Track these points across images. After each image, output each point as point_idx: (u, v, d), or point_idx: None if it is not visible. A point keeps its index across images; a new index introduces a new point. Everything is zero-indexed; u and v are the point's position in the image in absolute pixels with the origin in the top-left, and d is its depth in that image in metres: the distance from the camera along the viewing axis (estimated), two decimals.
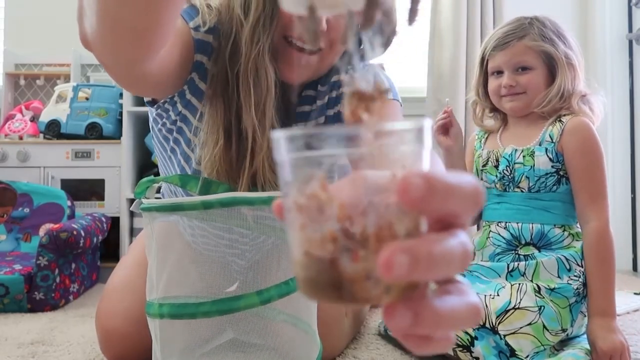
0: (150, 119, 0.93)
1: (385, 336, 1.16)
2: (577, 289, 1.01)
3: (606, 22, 2.33)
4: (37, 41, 2.39)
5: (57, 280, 1.49)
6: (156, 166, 2.08)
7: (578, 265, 1.04)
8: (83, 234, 1.57)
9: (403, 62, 2.47)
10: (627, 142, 2.31)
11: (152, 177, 0.79)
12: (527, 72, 1.12)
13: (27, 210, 1.84)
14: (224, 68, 0.76)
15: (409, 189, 0.23)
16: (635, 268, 2.28)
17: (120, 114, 2.07)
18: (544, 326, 0.96)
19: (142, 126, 2.14)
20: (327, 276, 0.25)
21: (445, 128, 1.20)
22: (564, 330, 0.99)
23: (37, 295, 1.45)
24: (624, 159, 2.31)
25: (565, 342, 1.03)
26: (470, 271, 1.08)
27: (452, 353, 0.92)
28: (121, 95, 2.08)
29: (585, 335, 1.03)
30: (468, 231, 0.30)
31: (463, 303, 0.27)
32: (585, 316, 1.04)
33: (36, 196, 1.86)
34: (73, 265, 1.60)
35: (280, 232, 0.80)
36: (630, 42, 2.33)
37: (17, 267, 1.50)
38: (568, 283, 1.02)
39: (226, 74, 0.76)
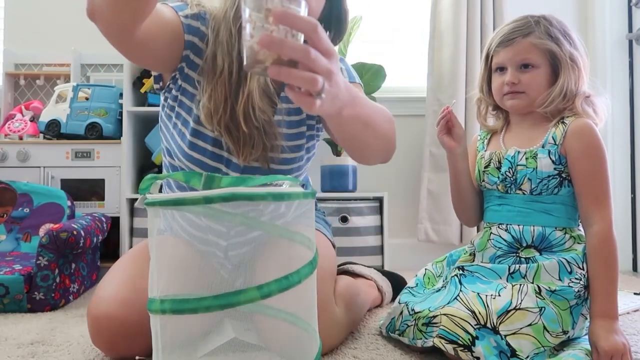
0: (160, 107, 1.11)
1: (386, 336, 1.16)
2: (578, 291, 1.01)
3: (606, 22, 2.33)
4: (37, 41, 2.39)
5: (57, 280, 1.49)
6: (156, 166, 2.09)
7: (579, 268, 1.03)
8: (83, 234, 1.57)
9: (403, 62, 2.47)
10: (627, 142, 2.32)
11: (156, 173, 0.80)
12: (530, 70, 1.11)
13: (27, 210, 1.84)
14: (228, 28, 0.97)
15: (275, 12, 0.58)
16: (635, 268, 2.28)
17: (120, 114, 2.07)
18: (545, 327, 0.96)
19: (142, 126, 2.14)
20: (253, 57, 0.60)
21: (448, 128, 1.19)
22: (564, 332, 0.98)
23: (37, 295, 1.45)
24: (624, 159, 2.32)
25: (565, 343, 1.02)
26: (471, 272, 1.08)
27: (452, 352, 0.92)
28: (121, 95, 2.08)
29: (586, 337, 1.02)
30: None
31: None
32: (586, 319, 1.03)
33: (36, 196, 1.86)
34: (73, 265, 1.60)
35: (276, 228, 0.80)
36: (630, 42, 2.33)
37: (17, 267, 1.50)
38: (569, 286, 1.01)
39: (230, 31, 0.97)
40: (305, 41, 0.62)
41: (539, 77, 1.10)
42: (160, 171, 2.03)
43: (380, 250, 2.07)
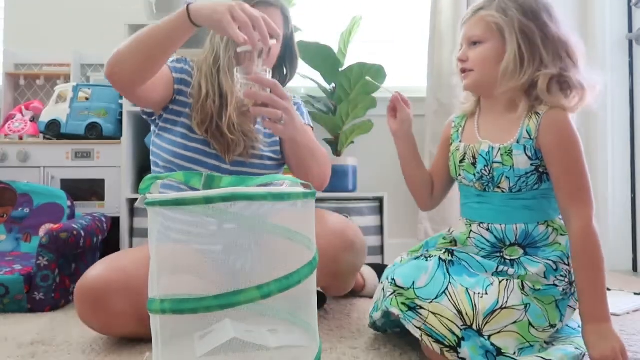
0: (152, 133, 1.34)
1: (376, 327, 1.16)
2: (564, 289, 1.00)
3: (606, 22, 2.33)
4: (37, 41, 2.39)
5: (57, 280, 1.49)
6: None
7: (565, 264, 1.01)
8: (83, 234, 1.57)
9: (403, 62, 2.47)
10: (627, 142, 2.32)
11: (156, 174, 0.80)
12: (477, 47, 1.07)
13: (27, 210, 1.84)
14: (209, 67, 1.26)
15: (251, 77, 1.04)
16: (635, 268, 2.28)
17: (120, 114, 2.07)
18: (530, 323, 0.95)
19: (142, 126, 2.14)
20: (241, 103, 1.15)
21: (395, 111, 1.18)
22: (552, 326, 0.98)
23: (37, 295, 1.45)
24: (624, 159, 2.32)
25: (555, 337, 1.02)
26: (460, 259, 1.06)
27: (439, 352, 0.92)
28: (121, 95, 2.08)
29: (578, 329, 1.01)
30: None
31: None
32: (575, 310, 1.02)
33: (36, 196, 1.86)
34: (73, 265, 1.60)
35: (276, 229, 0.80)
36: (630, 42, 2.33)
37: (17, 267, 1.50)
38: (554, 284, 0.99)
39: (211, 70, 1.26)
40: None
41: (486, 52, 1.05)
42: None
43: (380, 250, 2.07)
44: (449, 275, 1.01)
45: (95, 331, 1.12)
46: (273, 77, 1.31)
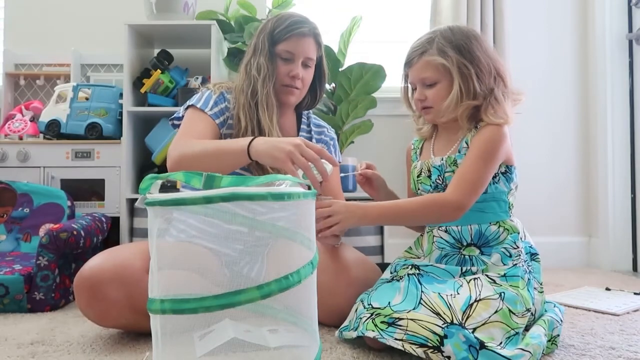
0: None
1: (342, 339, 1.15)
2: (523, 267, 1.09)
3: (606, 22, 2.33)
4: (37, 41, 2.39)
5: (57, 280, 1.49)
6: (156, 166, 2.09)
7: (515, 248, 1.12)
8: (83, 234, 1.57)
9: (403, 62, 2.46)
10: (627, 142, 2.32)
11: (156, 173, 0.80)
12: (432, 86, 1.19)
13: (27, 210, 1.84)
14: (247, 100, 1.32)
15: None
16: (635, 268, 2.28)
17: (120, 114, 2.07)
18: (510, 310, 0.99)
19: (142, 126, 2.14)
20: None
21: (368, 178, 1.32)
22: (528, 310, 1.03)
23: (37, 295, 1.45)
24: (624, 159, 2.32)
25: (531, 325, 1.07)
26: (427, 272, 1.13)
27: (424, 356, 0.91)
28: (121, 95, 2.08)
29: (545, 312, 1.11)
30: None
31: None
32: (540, 292, 1.11)
33: (36, 196, 1.86)
34: (73, 265, 1.60)
35: (276, 229, 0.80)
36: (630, 42, 2.33)
37: (17, 267, 1.50)
38: (515, 265, 1.09)
39: (249, 103, 1.32)
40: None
41: (441, 91, 1.19)
42: (160, 171, 2.03)
43: (380, 250, 2.07)
44: (421, 284, 1.07)
45: (93, 322, 1.13)
46: (305, 98, 1.47)
